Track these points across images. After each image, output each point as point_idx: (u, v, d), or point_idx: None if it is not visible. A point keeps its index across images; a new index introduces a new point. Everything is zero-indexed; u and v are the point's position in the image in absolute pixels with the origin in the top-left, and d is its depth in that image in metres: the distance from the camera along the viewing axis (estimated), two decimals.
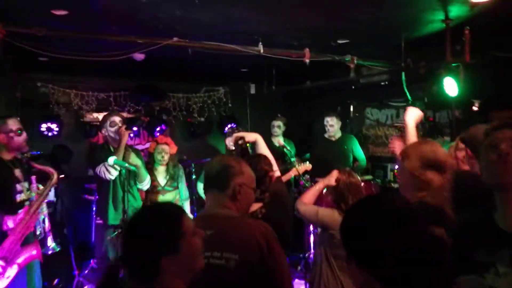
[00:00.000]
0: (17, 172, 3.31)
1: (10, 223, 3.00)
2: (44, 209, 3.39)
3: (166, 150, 4.75)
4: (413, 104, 5.89)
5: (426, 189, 2.00)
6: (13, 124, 3.33)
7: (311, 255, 4.59)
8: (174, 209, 1.57)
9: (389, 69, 5.22)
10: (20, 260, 2.86)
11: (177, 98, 6.59)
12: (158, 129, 6.14)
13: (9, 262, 2.78)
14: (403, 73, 4.69)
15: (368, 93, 6.44)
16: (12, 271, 2.80)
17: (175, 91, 6.59)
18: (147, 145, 6.49)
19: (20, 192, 3.29)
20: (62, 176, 4.70)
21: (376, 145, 6.57)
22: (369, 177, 5.72)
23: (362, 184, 3.38)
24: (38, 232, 3.46)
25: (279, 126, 5.86)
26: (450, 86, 4.14)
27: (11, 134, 3.30)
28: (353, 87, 6.19)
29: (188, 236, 1.46)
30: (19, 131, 3.34)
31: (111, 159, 3.66)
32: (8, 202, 3.14)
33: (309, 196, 3.13)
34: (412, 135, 2.63)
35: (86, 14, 3.61)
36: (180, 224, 1.47)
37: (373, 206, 1.28)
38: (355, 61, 4.96)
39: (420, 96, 5.09)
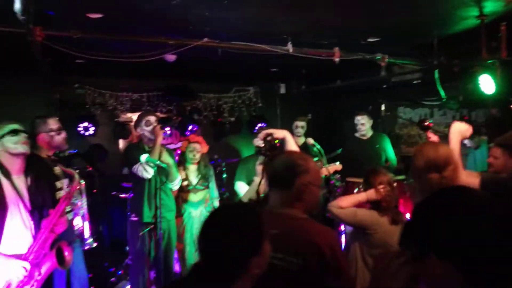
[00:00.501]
0: (57, 170, 3.39)
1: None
2: (85, 205, 3.47)
3: (198, 148, 4.74)
4: (447, 103, 5.80)
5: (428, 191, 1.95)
6: (53, 123, 3.44)
7: None
8: (254, 209, 1.57)
9: (422, 67, 5.13)
10: (43, 269, 2.85)
11: (207, 98, 6.68)
12: (189, 128, 6.23)
13: (36, 266, 2.78)
14: (436, 71, 4.59)
15: (400, 92, 6.33)
16: (37, 277, 2.79)
17: (206, 92, 6.68)
18: (179, 144, 6.60)
19: (60, 189, 3.35)
20: (96, 174, 4.89)
21: (409, 145, 6.45)
22: (402, 177, 5.62)
23: (395, 184, 3.35)
24: (76, 228, 3.60)
25: (302, 127, 5.81)
26: (486, 84, 4.03)
27: (52, 133, 3.40)
28: (384, 86, 6.11)
29: (266, 237, 1.48)
30: (59, 130, 3.46)
31: (144, 157, 3.75)
32: (48, 199, 3.19)
33: (347, 202, 3.09)
34: (455, 151, 2.43)
35: (119, 16, 3.71)
36: (262, 225, 1.48)
37: (454, 197, 1.28)
38: (386, 60, 4.89)
39: (454, 95, 4.98)
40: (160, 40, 4.08)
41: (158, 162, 3.79)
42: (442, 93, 4.75)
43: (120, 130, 6.09)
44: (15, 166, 2.84)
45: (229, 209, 1.63)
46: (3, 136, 2.79)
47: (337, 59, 4.65)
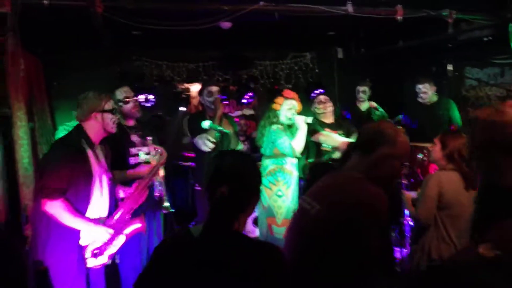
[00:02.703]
0: (134, 137, 3.61)
1: (121, 193, 3.21)
2: (161, 173, 3.60)
3: (296, 106, 4.23)
4: None
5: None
6: (120, 94, 3.63)
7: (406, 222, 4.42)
8: (251, 156, 1.90)
9: (493, 22, 4.75)
10: (127, 231, 3.01)
11: (263, 66, 6.61)
12: (246, 97, 6.22)
13: (117, 231, 2.94)
14: (510, 26, 4.24)
15: (467, 51, 5.94)
16: (119, 241, 2.95)
17: (261, 59, 6.61)
18: (236, 113, 6.63)
19: (135, 155, 3.58)
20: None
21: (477, 107, 6.08)
22: None
23: None
24: (156, 193, 3.75)
25: (364, 91, 5.64)
26: None
27: (120, 103, 3.58)
28: (449, 45, 5.75)
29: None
30: (126, 99, 3.62)
31: (206, 123, 3.78)
32: (121, 163, 3.42)
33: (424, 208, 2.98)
34: None
35: None
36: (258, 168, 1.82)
37: None
38: (454, 16, 4.57)
39: None
40: (215, 6, 4.04)
41: (220, 128, 3.81)
42: None
43: (178, 100, 6.18)
44: (99, 138, 2.97)
45: (231, 156, 1.78)
46: (105, 111, 2.90)
47: (399, 18, 4.41)
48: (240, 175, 1.63)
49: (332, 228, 1.79)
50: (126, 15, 3.93)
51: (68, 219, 2.70)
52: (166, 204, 3.72)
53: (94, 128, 2.90)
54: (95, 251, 2.84)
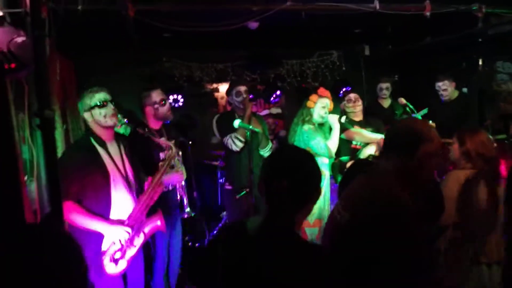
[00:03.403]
0: (162, 141, 3.50)
1: None
2: (183, 175, 3.59)
3: (329, 105, 4.19)
4: None
5: None
6: (156, 96, 3.62)
7: None
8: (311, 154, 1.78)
9: None
10: (146, 229, 2.97)
11: (290, 65, 6.65)
12: (274, 95, 6.27)
13: (136, 231, 2.90)
14: None
15: (497, 45, 5.83)
16: (139, 240, 2.91)
17: (288, 58, 6.64)
18: (264, 112, 6.68)
19: (163, 159, 3.45)
20: (190, 143, 5.09)
21: (509, 102, 5.96)
22: (502, 136, 5.25)
23: (495, 144, 3.11)
24: (178, 197, 3.74)
25: (387, 88, 5.60)
26: None
27: (156, 106, 3.58)
28: (479, 39, 5.66)
29: None
30: (163, 102, 3.62)
31: (237, 122, 3.84)
32: (150, 168, 3.33)
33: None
34: None
35: None
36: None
37: None
38: (484, 10, 4.50)
39: None
40: (243, 7, 4.10)
41: (251, 127, 3.85)
42: None
43: (207, 100, 6.28)
44: (106, 134, 2.91)
45: (291, 150, 1.79)
46: (92, 107, 2.84)
47: (428, 13, 4.37)
48: (301, 169, 1.56)
49: (361, 240, 1.77)
50: (157, 18, 4.02)
51: (81, 220, 2.66)
52: (188, 209, 3.75)
53: (94, 126, 2.87)
54: (116, 255, 2.78)
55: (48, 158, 1.73)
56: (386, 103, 5.63)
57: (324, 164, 4.19)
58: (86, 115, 2.87)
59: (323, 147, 4.06)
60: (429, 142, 1.88)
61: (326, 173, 4.21)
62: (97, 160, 2.81)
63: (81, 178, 2.70)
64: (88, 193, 2.73)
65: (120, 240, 2.79)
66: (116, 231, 2.78)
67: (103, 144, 2.89)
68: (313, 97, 4.19)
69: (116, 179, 2.88)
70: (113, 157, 2.91)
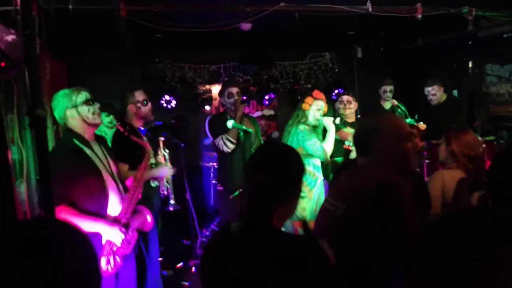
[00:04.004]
0: (140, 140, 3.45)
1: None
2: (170, 170, 3.66)
3: (324, 108, 4.22)
4: None
5: None
6: (139, 95, 3.70)
7: None
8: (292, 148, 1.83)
9: None
10: (135, 226, 2.98)
11: (283, 66, 6.66)
12: (266, 97, 6.27)
13: (128, 228, 2.90)
14: None
15: (487, 48, 5.90)
16: (132, 238, 2.93)
17: (281, 59, 6.65)
18: (257, 114, 6.69)
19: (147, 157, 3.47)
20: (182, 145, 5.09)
21: (497, 104, 6.03)
22: (491, 137, 5.31)
23: (484, 145, 3.14)
24: (164, 192, 3.82)
25: (391, 91, 5.66)
26: None
27: (138, 105, 3.67)
28: (470, 42, 5.72)
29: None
30: (145, 102, 3.70)
31: (230, 123, 3.85)
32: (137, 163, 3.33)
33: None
34: None
35: None
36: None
37: None
38: (474, 13, 4.55)
39: None
40: (237, 8, 4.09)
41: (244, 128, 3.87)
42: None
43: (199, 102, 6.27)
44: (89, 133, 2.87)
45: (271, 145, 1.86)
46: (79, 104, 2.79)
47: (419, 16, 4.40)
48: (277, 164, 1.56)
49: (363, 223, 1.80)
50: (149, 18, 4.01)
51: (77, 222, 2.56)
52: (172, 201, 3.84)
53: (77, 125, 2.80)
54: (111, 254, 2.77)
55: (40, 157, 1.72)
56: (387, 105, 5.68)
57: (316, 166, 4.20)
58: (70, 113, 2.78)
59: (319, 148, 4.08)
60: (381, 138, 1.91)
61: (319, 176, 4.22)
62: (86, 160, 2.78)
63: (72, 180, 2.66)
64: (81, 194, 2.69)
65: (117, 239, 2.79)
66: (113, 230, 2.78)
67: (87, 144, 2.85)
68: (308, 99, 4.21)
69: (107, 177, 2.87)
70: (99, 156, 2.89)
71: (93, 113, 2.82)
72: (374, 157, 1.91)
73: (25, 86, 2.30)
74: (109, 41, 5.13)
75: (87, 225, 2.68)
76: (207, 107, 6.27)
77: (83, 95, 2.81)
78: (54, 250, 0.93)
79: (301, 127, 4.15)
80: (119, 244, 2.81)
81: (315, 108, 4.17)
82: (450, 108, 5.34)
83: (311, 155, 4.12)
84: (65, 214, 2.59)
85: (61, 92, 2.83)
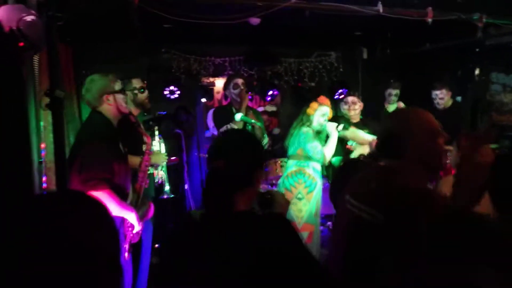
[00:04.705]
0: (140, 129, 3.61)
1: None
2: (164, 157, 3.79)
3: (328, 113, 4.25)
4: None
5: None
6: (136, 82, 3.82)
7: None
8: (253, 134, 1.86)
9: None
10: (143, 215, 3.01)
11: (288, 63, 6.64)
12: (269, 93, 6.26)
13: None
14: None
15: (493, 56, 5.91)
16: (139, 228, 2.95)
17: (286, 56, 6.64)
18: (259, 109, 6.68)
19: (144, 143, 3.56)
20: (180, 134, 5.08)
21: (501, 113, 6.05)
22: (494, 146, 5.33)
23: None
24: (156, 180, 3.90)
25: (396, 94, 5.68)
26: None
27: (135, 91, 3.76)
28: (477, 49, 5.73)
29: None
30: (142, 89, 3.78)
31: (238, 116, 3.86)
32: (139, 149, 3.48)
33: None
34: None
35: None
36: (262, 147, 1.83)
37: None
38: (484, 20, 4.56)
39: None
40: (248, 1, 4.09)
41: (253, 121, 3.90)
42: None
43: (203, 94, 6.26)
44: (116, 120, 2.91)
45: (229, 132, 1.80)
46: (117, 91, 2.86)
47: (429, 20, 4.41)
48: (238, 150, 1.59)
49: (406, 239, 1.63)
50: (161, 7, 4.00)
51: (114, 209, 2.61)
52: (166, 189, 3.92)
53: (110, 111, 2.83)
54: (125, 244, 2.83)
55: (57, 138, 1.71)
56: (391, 107, 5.70)
57: (315, 169, 4.22)
58: (108, 98, 2.82)
59: (320, 152, 4.10)
60: (414, 138, 1.76)
61: (318, 180, 4.23)
62: (118, 146, 2.84)
63: (112, 165, 2.67)
64: (115, 180, 2.69)
65: (137, 228, 2.84)
66: (135, 218, 2.81)
67: (115, 129, 2.92)
68: (314, 104, 4.24)
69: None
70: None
71: (126, 102, 2.97)
72: (408, 160, 1.75)
73: (32, 68, 2.30)
74: (118, 29, 5.09)
75: (123, 212, 2.71)
76: (203, 99, 6.25)
77: (119, 84, 2.94)
78: (78, 224, 0.91)
79: (305, 129, 4.18)
80: (138, 231, 2.87)
81: (319, 113, 4.20)
82: (455, 113, 5.35)
83: (310, 158, 4.14)
84: (106, 199, 2.54)
85: (97, 76, 2.86)
